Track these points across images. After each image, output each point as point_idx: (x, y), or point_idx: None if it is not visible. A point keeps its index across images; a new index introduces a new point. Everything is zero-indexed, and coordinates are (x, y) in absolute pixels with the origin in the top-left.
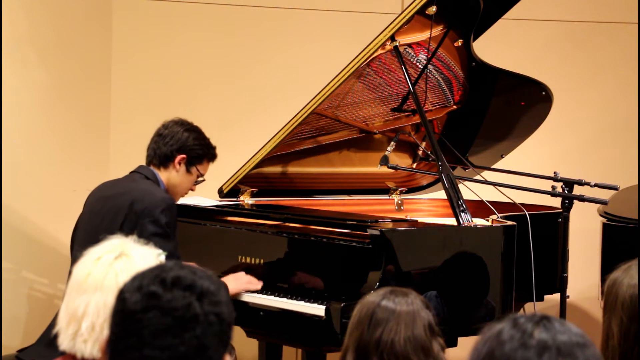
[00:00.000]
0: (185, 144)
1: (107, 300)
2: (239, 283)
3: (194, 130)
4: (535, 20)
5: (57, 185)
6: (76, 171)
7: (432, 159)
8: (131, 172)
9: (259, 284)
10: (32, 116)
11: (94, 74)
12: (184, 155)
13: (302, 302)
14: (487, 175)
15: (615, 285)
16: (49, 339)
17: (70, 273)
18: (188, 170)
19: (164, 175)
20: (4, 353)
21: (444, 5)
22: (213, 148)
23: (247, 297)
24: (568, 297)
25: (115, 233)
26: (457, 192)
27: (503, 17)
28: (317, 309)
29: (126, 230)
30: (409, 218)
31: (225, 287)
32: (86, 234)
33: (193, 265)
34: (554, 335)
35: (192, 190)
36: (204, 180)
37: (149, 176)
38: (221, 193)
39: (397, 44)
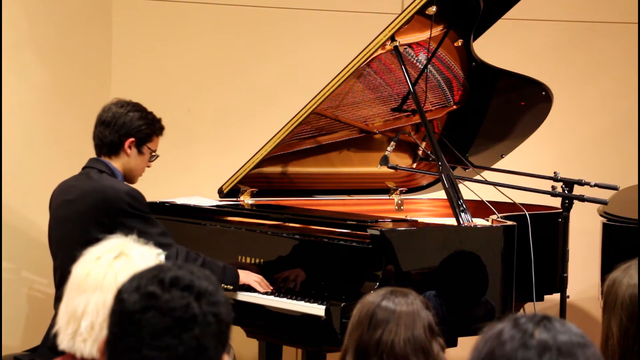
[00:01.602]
0: (131, 127)
1: (106, 300)
2: (250, 277)
3: (137, 110)
4: (535, 20)
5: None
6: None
7: (432, 159)
8: (84, 168)
9: (268, 288)
10: (32, 116)
11: (94, 74)
12: (132, 139)
13: (302, 302)
14: (487, 175)
15: (615, 285)
16: (50, 342)
17: (54, 279)
18: (140, 152)
19: (117, 162)
20: (4, 353)
21: (444, 5)
22: (159, 121)
23: (247, 297)
24: (568, 297)
25: (89, 239)
26: (457, 192)
27: (503, 17)
28: (317, 309)
29: (100, 233)
30: (409, 218)
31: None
32: (58, 243)
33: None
34: (554, 336)
35: (148, 167)
36: (157, 156)
37: (103, 169)
38: (221, 193)
39: (397, 44)
